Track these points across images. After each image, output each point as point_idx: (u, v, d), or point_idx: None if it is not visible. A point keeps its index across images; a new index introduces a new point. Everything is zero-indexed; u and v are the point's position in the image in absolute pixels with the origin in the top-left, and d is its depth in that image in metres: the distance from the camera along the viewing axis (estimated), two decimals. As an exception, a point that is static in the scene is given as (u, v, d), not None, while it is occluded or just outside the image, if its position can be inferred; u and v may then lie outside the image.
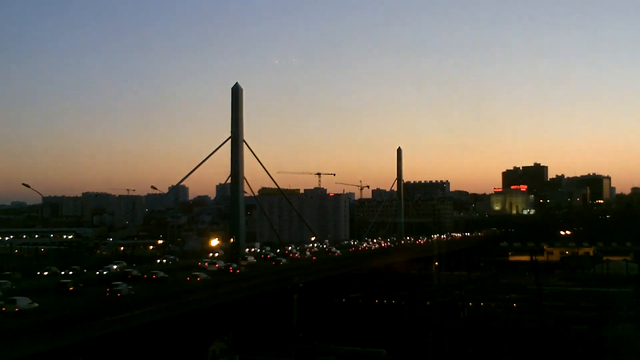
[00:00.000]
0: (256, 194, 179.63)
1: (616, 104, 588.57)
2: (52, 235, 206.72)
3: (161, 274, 69.00)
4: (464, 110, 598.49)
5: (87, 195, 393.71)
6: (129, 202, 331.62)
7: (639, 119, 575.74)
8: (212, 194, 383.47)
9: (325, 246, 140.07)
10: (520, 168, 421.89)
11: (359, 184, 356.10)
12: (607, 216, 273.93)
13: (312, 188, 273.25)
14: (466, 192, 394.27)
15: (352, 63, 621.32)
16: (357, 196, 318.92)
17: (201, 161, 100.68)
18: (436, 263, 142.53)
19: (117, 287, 56.63)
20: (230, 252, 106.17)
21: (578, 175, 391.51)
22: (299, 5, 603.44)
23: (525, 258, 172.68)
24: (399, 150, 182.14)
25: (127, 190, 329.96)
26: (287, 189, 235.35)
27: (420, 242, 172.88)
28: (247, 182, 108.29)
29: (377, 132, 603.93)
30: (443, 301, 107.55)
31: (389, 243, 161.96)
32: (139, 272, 71.63)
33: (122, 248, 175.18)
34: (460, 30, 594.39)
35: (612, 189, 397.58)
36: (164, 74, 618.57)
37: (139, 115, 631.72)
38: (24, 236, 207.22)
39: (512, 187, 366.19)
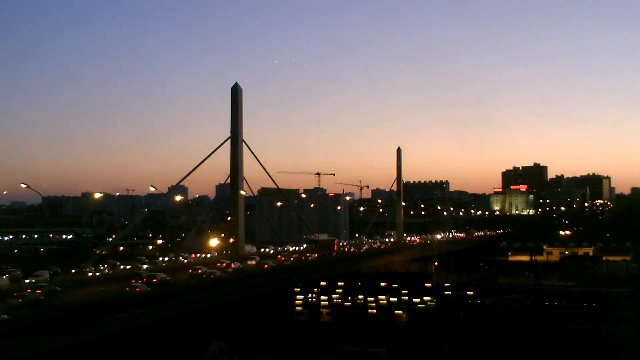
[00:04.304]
0: (256, 194, 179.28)
1: (616, 104, 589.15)
2: (51, 235, 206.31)
3: (163, 275, 69.01)
4: (464, 110, 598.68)
5: (86, 195, 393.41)
6: (129, 202, 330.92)
7: (639, 119, 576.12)
8: (212, 194, 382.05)
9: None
10: (520, 168, 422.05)
11: (358, 184, 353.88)
12: (607, 216, 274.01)
13: (312, 188, 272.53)
14: (466, 192, 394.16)
15: (352, 63, 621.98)
16: (356, 196, 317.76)
17: (201, 161, 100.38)
18: (436, 263, 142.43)
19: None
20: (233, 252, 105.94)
21: (578, 175, 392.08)
22: (299, 5, 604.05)
23: (525, 258, 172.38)
24: (399, 150, 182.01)
25: (127, 190, 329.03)
26: (286, 189, 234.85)
27: (419, 242, 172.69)
28: (247, 182, 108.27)
29: (377, 132, 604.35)
30: (442, 301, 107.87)
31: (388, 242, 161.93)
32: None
33: (121, 248, 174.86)
34: (460, 30, 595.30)
35: (612, 189, 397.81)
36: (164, 73, 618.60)
37: (138, 115, 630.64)
38: (24, 236, 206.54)
39: (511, 187, 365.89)
